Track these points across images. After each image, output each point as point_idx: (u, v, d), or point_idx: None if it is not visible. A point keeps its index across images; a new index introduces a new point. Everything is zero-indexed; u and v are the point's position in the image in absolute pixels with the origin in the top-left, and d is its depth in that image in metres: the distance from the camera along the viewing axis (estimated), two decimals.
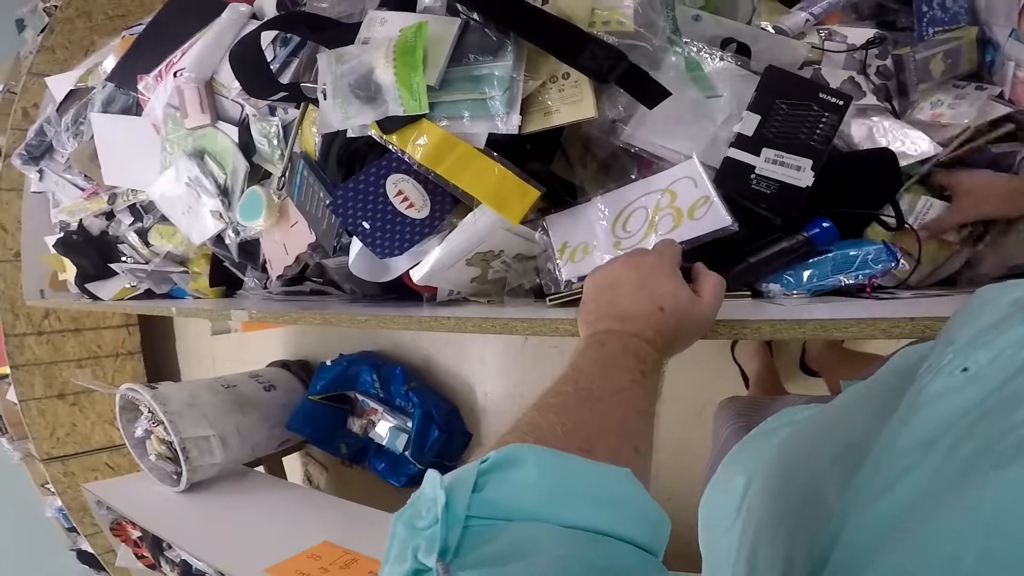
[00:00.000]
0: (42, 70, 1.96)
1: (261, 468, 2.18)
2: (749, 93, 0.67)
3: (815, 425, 0.47)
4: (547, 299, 0.76)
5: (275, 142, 0.93)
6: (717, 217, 0.64)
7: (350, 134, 0.76)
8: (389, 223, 0.76)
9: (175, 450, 1.75)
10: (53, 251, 1.51)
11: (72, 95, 1.38)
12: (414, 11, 0.74)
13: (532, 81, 0.69)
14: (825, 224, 0.62)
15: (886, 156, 0.66)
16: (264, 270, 1.16)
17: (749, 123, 0.66)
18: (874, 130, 0.69)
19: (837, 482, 0.34)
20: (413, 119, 0.71)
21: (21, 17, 2.82)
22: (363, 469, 2.08)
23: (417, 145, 0.71)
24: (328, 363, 2.15)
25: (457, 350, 2.01)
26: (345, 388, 2.13)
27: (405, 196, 0.75)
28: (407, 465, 1.87)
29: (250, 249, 1.16)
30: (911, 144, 0.66)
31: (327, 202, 0.84)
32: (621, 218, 0.74)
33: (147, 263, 1.36)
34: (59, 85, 1.41)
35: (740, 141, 0.67)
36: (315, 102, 0.85)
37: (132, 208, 1.30)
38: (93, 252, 1.41)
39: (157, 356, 2.99)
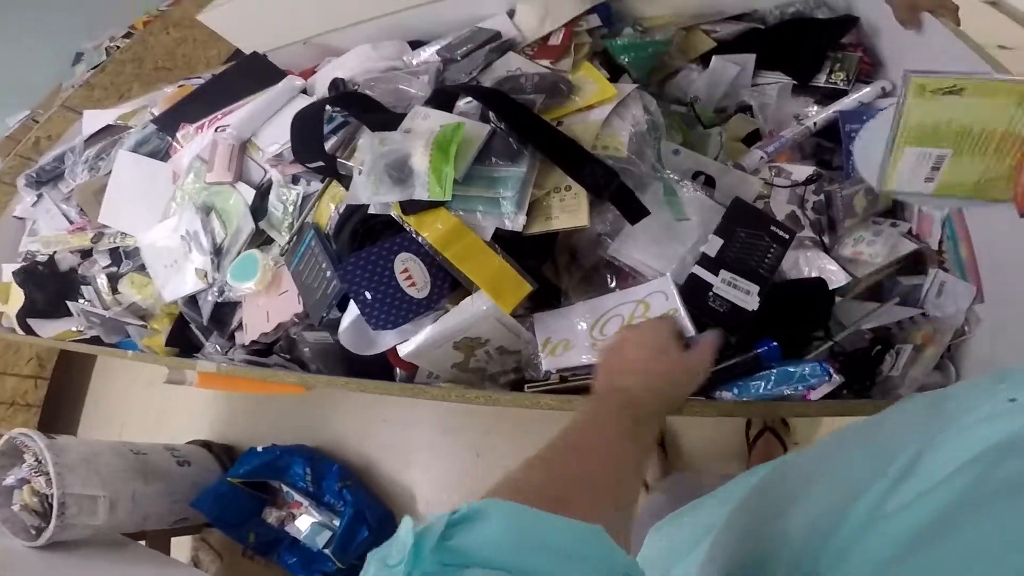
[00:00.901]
0: (75, 105, 2.07)
1: (143, 543, 2.02)
2: (714, 221, 0.83)
3: (802, 458, 0.51)
4: (526, 386, 0.85)
5: (290, 209, 1.03)
6: (682, 328, 0.77)
7: (372, 210, 0.87)
8: (389, 297, 0.85)
9: (49, 504, 1.64)
10: (6, 279, 1.51)
11: (104, 131, 1.48)
12: (451, 112, 0.89)
13: (539, 189, 0.84)
14: (771, 344, 0.74)
15: (820, 286, 0.81)
16: (231, 338, 1.20)
17: (713, 245, 0.81)
18: (800, 260, 0.85)
19: (834, 510, 0.35)
20: (433, 205, 0.84)
21: (82, 51, 2.98)
22: (267, 563, 1.97)
23: (431, 228, 0.83)
24: (259, 449, 2.10)
25: (402, 456, 2.01)
26: (271, 477, 2.07)
27: (410, 275, 0.85)
28: (324, 563, 1.80)
29: (221, 316, 1.21)
30: (828, 275, 0.83)
31: (327, 273, 0.94)
32: (600, 322, 0.86)
33: (107, 310, 1.37)
34: (94, 119, 1.52)
35: (704, 260, 0.80)
36: (341, 178, 0.97)
37: (113, 251, 1.35)
38: (52, 287, 1.43)
39: (59, 413, 2.82)
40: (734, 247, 0.80)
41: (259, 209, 1.12)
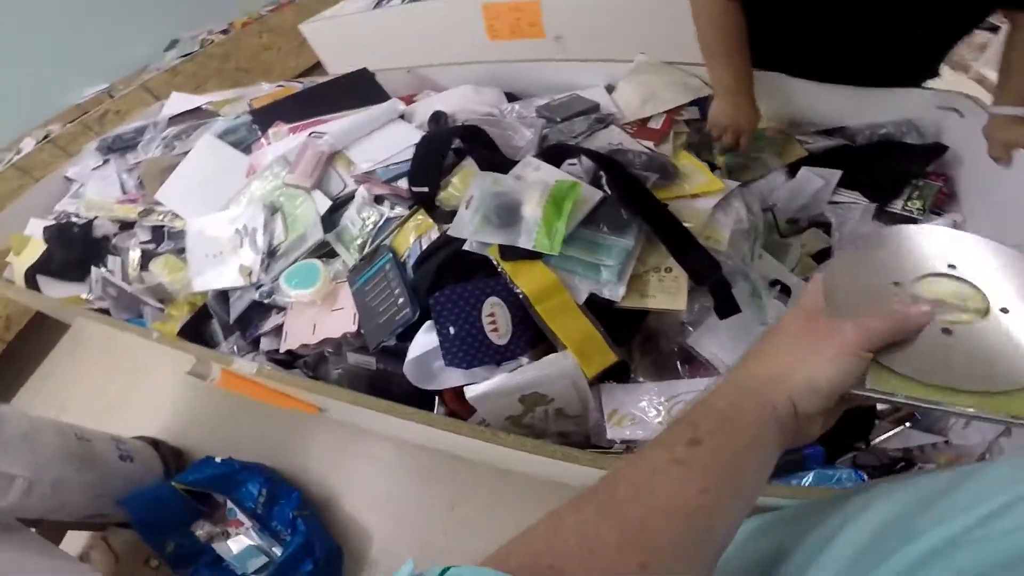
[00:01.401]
0: (154, 87, 2.07)
1: (33, 529, 1.85)
2: None
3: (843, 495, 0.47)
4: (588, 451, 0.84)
5: (368, 228, 1.02)
6: None
7: (467, 247, 0.87)
8: (471, 338, 0.84)
9: None
10: (29, 232, 1.45)
11: (191, 114, 1.48)
12: (559, 168, 0.91)
13: (640, 265, 0.85)
14: (818, 448, 0.79)
15: (867, 409, 0.86)
16: (255, 343, 1.17)
17: None
18: None
19: (896, 532, 0.34)
20: (531, 256, 0.84)
21: (178, 38, 3.13)
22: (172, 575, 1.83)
23: (527, 279, 0.83)
24: (217, 460, 2.00)
25: (370, 496, 1.92)
26: (220, 491, 1.95)
27: (495, 320, 0.85)
28: None
29: (248, 317, 1.18)
30: None
31: (400, 300, 0.93)
32: (668, 403, 0.86)
33: (128, 284, 1.32)
34: (180, 102, 1.52)
35: None
36: (431, 209, 0.97)
37: (156, 229, 1.31)
38: (78, 250, 1.38)
39: (2, 376, 2.66)
40: None
41: (326, 221, 1.10)
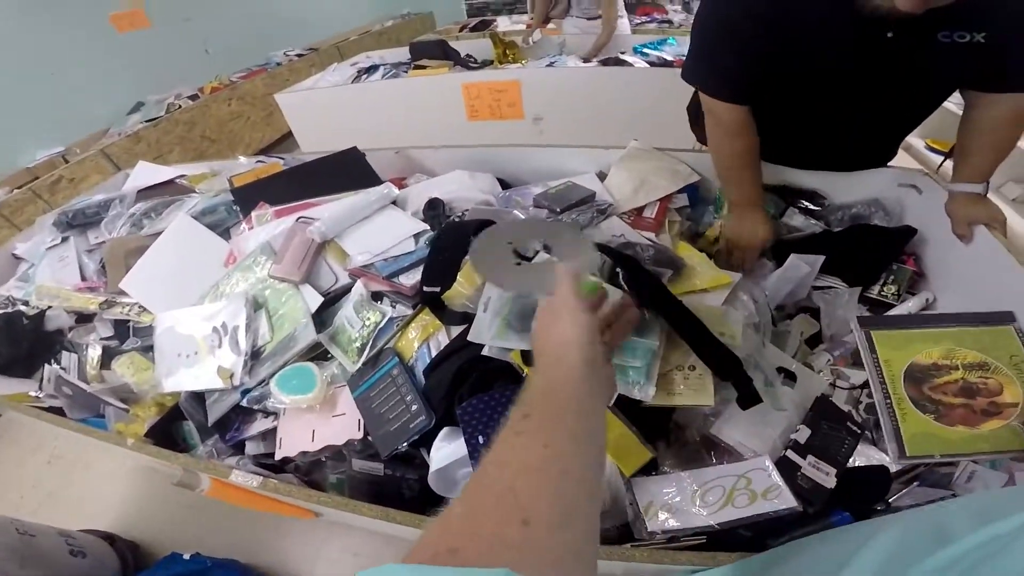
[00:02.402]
0: (114, 153, 1.89)
1: None
2: (795, 413, 0.89)
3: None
4: (630, 545, 0.79)
5: (369, 329, 0.94)
6: (787, 500, 0.78)
7: (486, 352, 0.82)
8: None
9: None
10: None
11: (164, 186, 1.33)
12: None
13: (665, 363, 0.83)
14: (844, 514, 0.79)
15: (883, 472, 0.86)
16: (238, 446, 1.06)
17: (803, 434, 0.86)
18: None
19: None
20: None
21: (144, 101, 2.93)
22: None
23: None
24: (185, 556, 1.79)
25: None
26: None
27: None
28: None
29: (227, 419, 1.07)
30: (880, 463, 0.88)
31: (413, 407, 0.86)
32: (701, 490, 0.83)
33: (88, 384, 1.17)
34: (147, 172, 1.36)
35: (795, 447, 0.85)
36: (438, 309, 0.91)
37: (119, 324, 1.17)
38: (26, 345, 1.21)
39: None
40: (818, 436, 0.87)
41: (315, 319, 1.00)
